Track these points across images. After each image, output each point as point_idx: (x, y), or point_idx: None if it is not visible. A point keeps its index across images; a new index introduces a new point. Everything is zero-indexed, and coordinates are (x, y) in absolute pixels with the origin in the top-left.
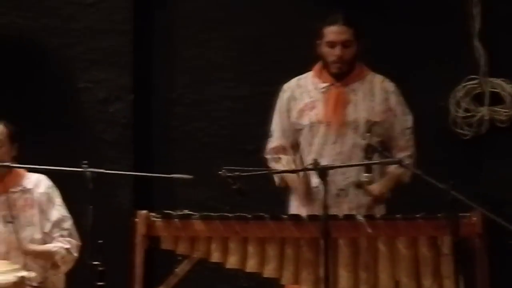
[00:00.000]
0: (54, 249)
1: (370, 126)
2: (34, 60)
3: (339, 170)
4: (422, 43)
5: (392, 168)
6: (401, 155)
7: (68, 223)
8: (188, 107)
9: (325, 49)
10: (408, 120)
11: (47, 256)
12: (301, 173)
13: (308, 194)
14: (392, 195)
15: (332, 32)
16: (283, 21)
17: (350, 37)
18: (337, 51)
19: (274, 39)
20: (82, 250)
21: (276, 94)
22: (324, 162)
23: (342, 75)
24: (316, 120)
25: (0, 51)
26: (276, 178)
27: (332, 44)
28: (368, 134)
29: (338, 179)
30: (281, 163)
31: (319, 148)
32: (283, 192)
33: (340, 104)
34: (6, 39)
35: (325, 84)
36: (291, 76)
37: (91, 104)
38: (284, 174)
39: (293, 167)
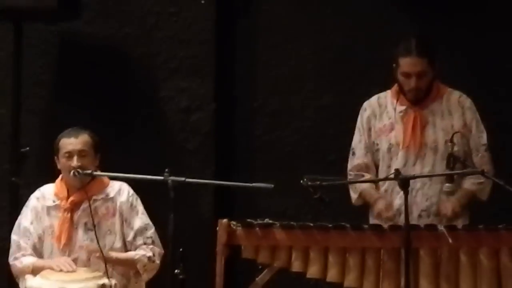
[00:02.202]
0: (136, 257)
1: (453, 136)
2: (117, 69)
3: (421, 191)
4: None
5: (468, 185)
6: (470, 181)
7: (151, 231)
8: (270, 117)
9: (400, 78)
10: (482, 137)
11: (129, 263)
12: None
13: (391, 219)
14: (473, 206)
15: (406, 63)
16: (369, 31)
17: (425, 68)
18: (412, 82)
19: (358, 49)
20: (164, 258)
21: (358, 105)
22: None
23: (419, 99)
24: (395, 143)
25: (85, 60)
26: (354, 194)
27: (407, 75)
28: (451, 144)
29: (420, 200)
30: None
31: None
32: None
33: (418, 127)
34: (91, 48)
35: (403, 108)
36: (375, 86)
37: (173, 113)
38: (368, 197)
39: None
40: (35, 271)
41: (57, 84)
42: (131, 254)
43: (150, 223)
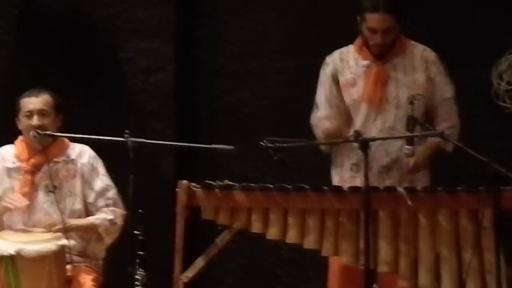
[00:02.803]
0: (97, 221)
1: (412, 98)
2: (78, 30)
3: (381, 147)
4: (466, 12)
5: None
6: (442, 125)
7: (112, 192)
8: (232, 78)
9: (366, 32)
10: (448, 90)
11: (90, 229)
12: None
13: None
14: (434, 167)
15: (374, 19)
16: None
17: (391, 23)
18: (378, 38)
19: (320, 11)
20: (124, 219)
21: (319, 66)
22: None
23: (382, 54)
24: (358, 97)
25: (45, 20)
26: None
27: (373, 31)
28: (410, 106)
29: (380, 156)
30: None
31: (361, 126)
32: (325, 164)
33: (380, 82)
34: (51, 9)
35: (366, 62)
36: (336, 47)
37: (134, 74)
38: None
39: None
40: None
41: (17, 45)
42: (91, 219)
43: (112, 184)
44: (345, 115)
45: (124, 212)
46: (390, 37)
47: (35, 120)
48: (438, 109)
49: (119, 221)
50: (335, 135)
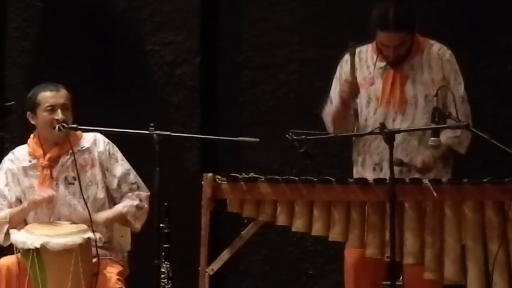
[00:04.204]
0: (125, 209)
1: (438, 90)
2: (103, 23)
3: (401, 146)
4: (491, 6)
5: (444, 138)
6: (446, 135)
7: (133, 175)
8: (255, 70)
9: (379, 43)
10: (459, 89)
11: (119, 218)
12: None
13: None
14: (459, 158)
15: (384, 37)
16: None
17: (403, 39)
18: (390, 52)
19: (343, 2)
20: (149, 212)
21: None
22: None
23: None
24: (375, 97)
25: (70, 13)
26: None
27: (385, 46)
28: (436, 97)
29: (400, 155)
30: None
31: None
32: (350, 156)
33: (397, 84)
34: (74, 3)
35: (382, 64)
36: (359, 39)
37: (159, 67)
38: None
39: None
40: (12, 220)
41: (42, 38)
42: (118, 207)
43: (131, 167)
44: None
45: (148, 193)
46: (403, 49)
47: (59, 114)
48: (449, 107)
49: (146, 204)
50: (341, 116)
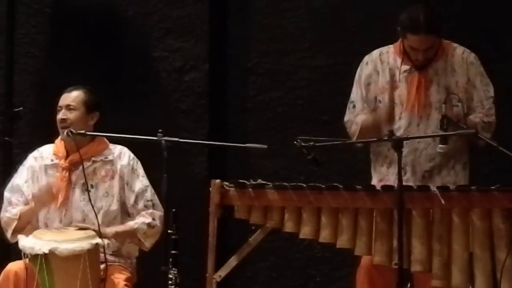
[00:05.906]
0: (136, 226)
1: (447, 97)
2: (111, 29)
3: (425, 151)
4: (505, 12)
5: (473, 116)
6: (478, 116)
7: (150, 193)
8: (263, 77)
9: (407, 47)
10: (488, 91)
11: (129, 234)
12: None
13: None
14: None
15: (414, 40)
16: None
17: (432, 43)
18: (419, 55)
19: (353, 8)
20: None
21: (352, 65)
22: (410, 143)
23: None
24: (399, 102)
25: (78, 19)
26: (355, 132)
27: (415, 49)
28: (444, 105)
29: (424, 161)
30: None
31: (404, 131)
32: (358, 163)
33: (422, 88)
34: (83, 10)
35: (407, 67)
36: (368, 46)
37: (167, 73)
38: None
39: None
40: (22, 218)
41: (51, 44)
42: (130, 223)
43: (149, 185)
44: (384, 114)
45: (162, 213)
46: (432, 52)
47: (60, 115)
48: (476, 109)
49: (158, 223)
50: (372, 128)
